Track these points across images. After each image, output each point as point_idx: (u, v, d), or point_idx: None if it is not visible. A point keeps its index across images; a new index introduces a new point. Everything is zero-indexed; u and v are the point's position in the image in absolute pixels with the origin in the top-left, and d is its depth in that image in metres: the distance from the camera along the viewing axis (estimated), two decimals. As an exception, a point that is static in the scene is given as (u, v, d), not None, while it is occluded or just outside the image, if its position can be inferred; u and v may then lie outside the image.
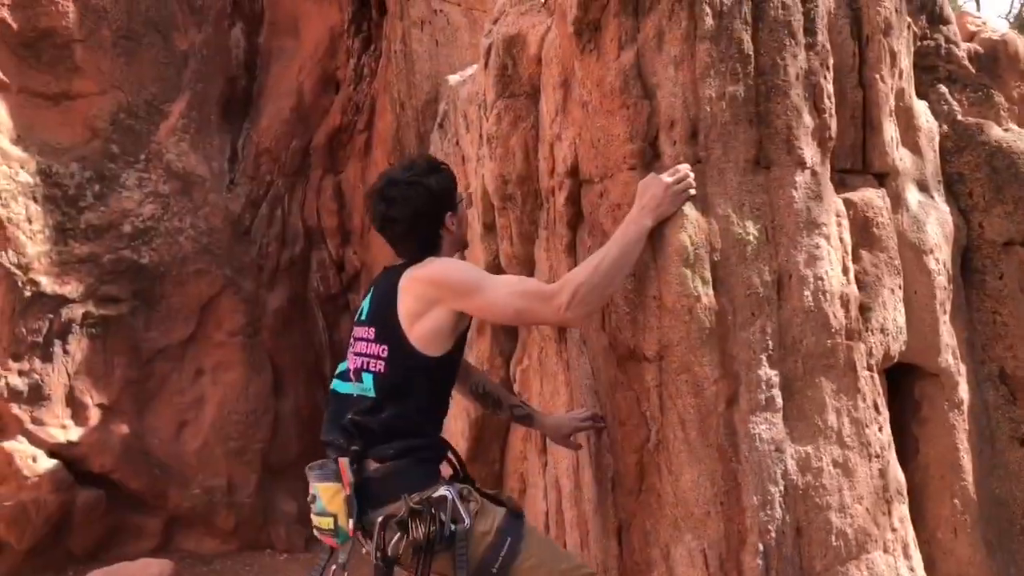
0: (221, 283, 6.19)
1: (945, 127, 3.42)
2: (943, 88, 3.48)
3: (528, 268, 3.53)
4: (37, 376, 5.44)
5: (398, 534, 2.43)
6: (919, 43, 3.49)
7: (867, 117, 3.03)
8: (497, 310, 2.57)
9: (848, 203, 2.91)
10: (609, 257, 2.49)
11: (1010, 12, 24.16)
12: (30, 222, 5.42)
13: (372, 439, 2.53)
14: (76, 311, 5.59)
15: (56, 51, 5.63)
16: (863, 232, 2.92)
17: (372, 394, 2.57)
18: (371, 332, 2.62)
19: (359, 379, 2.61)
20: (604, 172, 2.82)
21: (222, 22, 6.57)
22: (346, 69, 7.04)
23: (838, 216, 2.81)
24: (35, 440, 5.42)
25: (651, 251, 2.64)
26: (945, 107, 3.44)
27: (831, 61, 2.82)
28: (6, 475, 5.36)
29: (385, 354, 2.57)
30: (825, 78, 2.77)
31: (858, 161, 3.04)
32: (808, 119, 2.72)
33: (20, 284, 5.34)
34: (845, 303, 2.74)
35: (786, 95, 2.67)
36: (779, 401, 2.62)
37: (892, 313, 2.94)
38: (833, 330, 2.70)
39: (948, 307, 3.18)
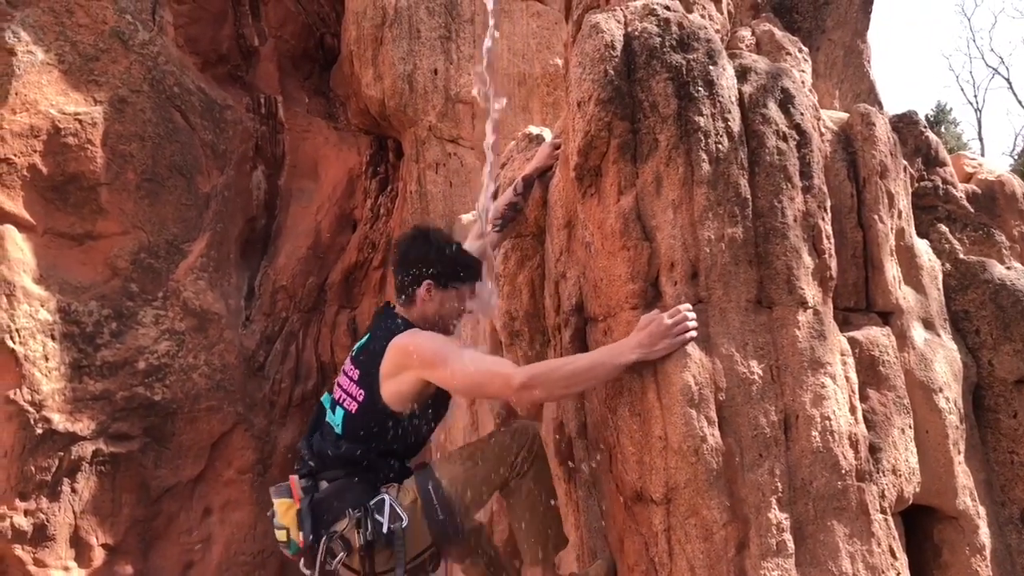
0: (233, 420, 6.18)
1: (948, 265, 3.44)
2: (943, 227, 3.53)
3: (536, 404, 3.52)
4: (43, 515, 5.37)
5: (343, 552, 2.68)
6: (917, 184, 3.57)
7: (868, 256, 3.07)
8: (456, 380, 2.71)
9: (853, 342, 2.91)
10: (577, 365, 2.64)
11: (1013, 149, 24.66)
12: (47, 360, 5.48)
13: (327, 463, 2.80)
14: (87, 449, 5.57)
15: (82, 193, 5.82)
16: (869, 371, 2.91)
17: (339, 430, 2.81)
18: (356, 374, 2.86)
19: (334, 411, 2.86)
20: (608, 311, 2.84)
21: (244, 165, 6.80)
22: (363, 209, 7.24)
23: (843, 355, 2.80)
24: (37, 583, 5.31)
25: (655, 391, 2.63)
26: (947, 246, 3.48)
27: (828, 203, 2.87)
28: (7, 620, 5.23)
29: (360, 398, 2.81)
30: (823, 219, 2.82)
31: (861, 300, 3.06)
32: (808, 259, 2.75)
33: (33, 422, 5.35)
34: (854, 443, 2.70)
35: (785, 237, 2.71)
36: (791, 546, 2.55)
37: (904, 453, 2.89)
38: (843, 471, 2.65)
39: (962, 447, 3.13)
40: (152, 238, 6.05)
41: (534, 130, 3.86)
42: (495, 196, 3.68)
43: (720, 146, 2.69)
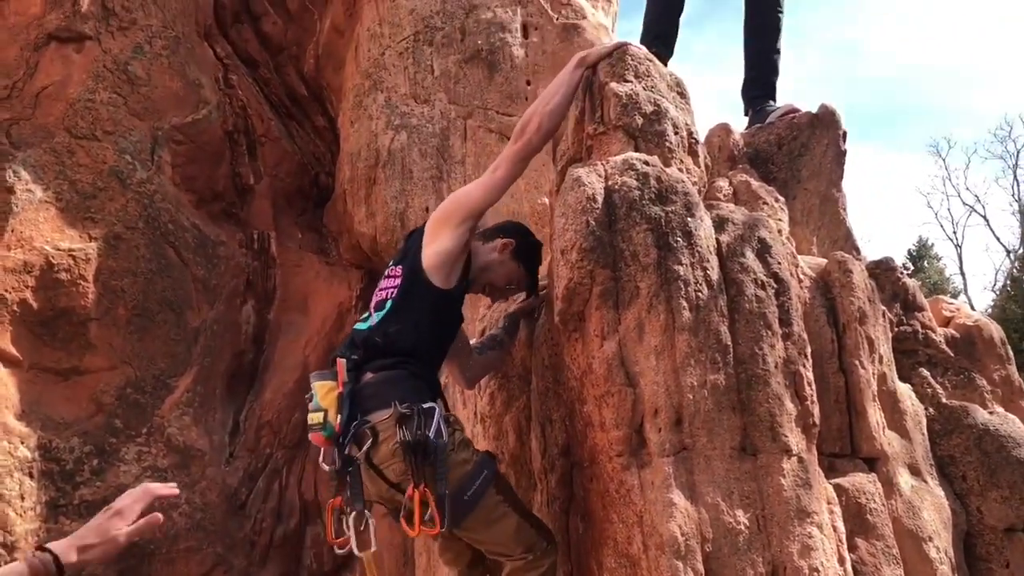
0: (212, 562, 6.00)
1: (931, 410, 3.46)
2: (925, 371, 3.56)
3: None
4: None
5: (371, 438, 2.62)
6: (896, 329, 3.62)
7: (851, 401, 3.08)
8: (480, 188, 2.96)
9: (839, 489, 2.89)
10: (543, 100, 3.03)
11: (995, 284, 25.08)
12: (22, 499, 5.36)
13: (373, 351, 2.78)
14: (59, 592, 5.39)
15: (71, 328, 5.84)
16: (857, 519, 2.88)
17: (386, 312, 2.87)
18: (398, 269, 2.97)
19: (379, 308, 2.91)
20: (593, 457, 2.83)
21: (235, 299, 6.85)
22: (352, 343, 7.25)
23: (829, 503, 2.78)
24: None
25: (641, 541, 2.59)
26: (929, 390, 3.50)
27: (809, 349, 2.91)
28: None
29: (400, 274, 2.92)
30: (804, 366, 2.85)
31: (846, 445, 3.06)
32: (791, 406, 2.76)
33: (3, 564, 5.19)
34: (844, 596, 2.64)
35: (767, 383, 2.73)
36: None
37: (896, 606, 2.83)
38: (834, 626, 2.59)
39: (956, 598, 3.06)
40: (139, 373, 6.03)
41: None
42: (481, 335, 3.71)
43: (700, 294, 2.74)
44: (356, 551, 2.68)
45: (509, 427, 3.56)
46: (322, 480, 6.80)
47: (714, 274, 2.79)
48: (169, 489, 2.04)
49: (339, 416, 2.69)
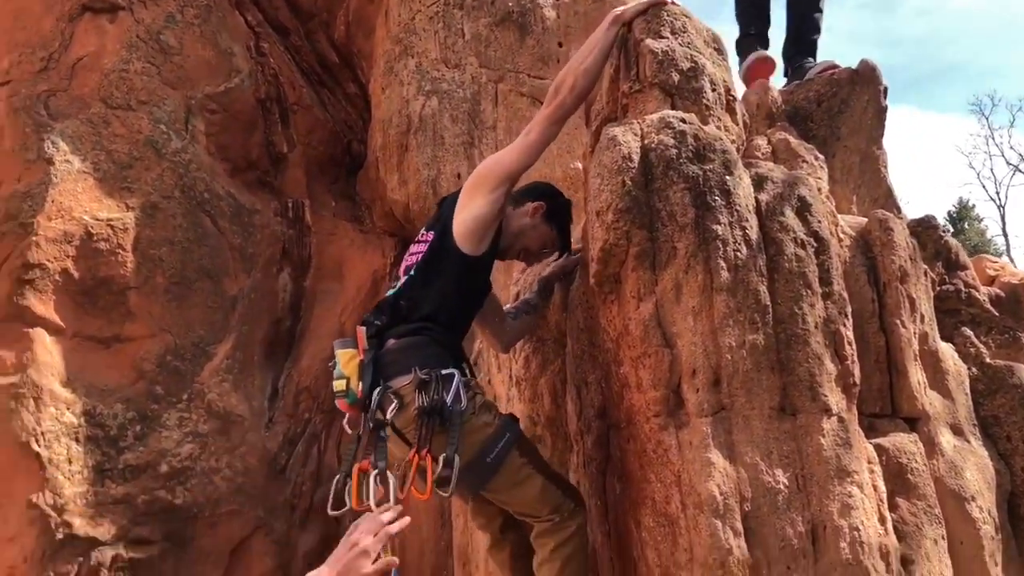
0: (253, 524, 6.10)
1: (974, 369, 3.41)
2: (968, 331, 3.51)
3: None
4: (62, 624, 5.29)
5: (396, 402, 2.64)
6: (938, 288, 3.56)
7: (891, 361, 3.05)
8: (514, 151, 2.91)
9: (879, 449, 2.86)
10: (577, 60, 2.97)
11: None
12: (70, 463, 5.48)
13: (397, 316, 2.81)
14: (106, 554, 5.51)
15: (112, 297, 5.92)
16: (898, 479, 2.86)
17: (411, 277, 2.89)
18: (429, 235, 2.96)
19: (407, 274, 2.93)
20: (630, 418, 2.83)
21: (271, 268, 6.91)
22: (387, 310, 7.29)
23: (870, 463, 2.76)
24: None
25: (679, 501, 2.59)
26: (972, 350, 3.45)
27: (849, 308, 2.87)
28: None
29: (429, 239, 2.92)
30: (844, 325, 2.81)
31: (887, 405, 3.02)
32: (830, 366, 2.74)
33: (54, 526, 5.32)
34: (885, 555, 2.63)
35: (806, 343, 2.71)
36: (823, 665, 2.46)
37: (937, 566, 2.80)
38: (875, 585, 2.57)
39: (999, 558, 3.03)
40: (179, 340, 6.11)
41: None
42: (515, 299, 3.71)
43: (739, 254, 2.71)
44: (374, 509, 2.71)
45: (544, 390, 3.57)
46: (346, 445, 6.86)
47: (753, 233, 2.75)
48: (401, 524, 2.19)
49: (360, 383, 2.73)
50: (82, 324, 5.81)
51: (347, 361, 2.80)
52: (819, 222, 2.88)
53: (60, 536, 5.35)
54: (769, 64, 4.53)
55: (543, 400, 3.56)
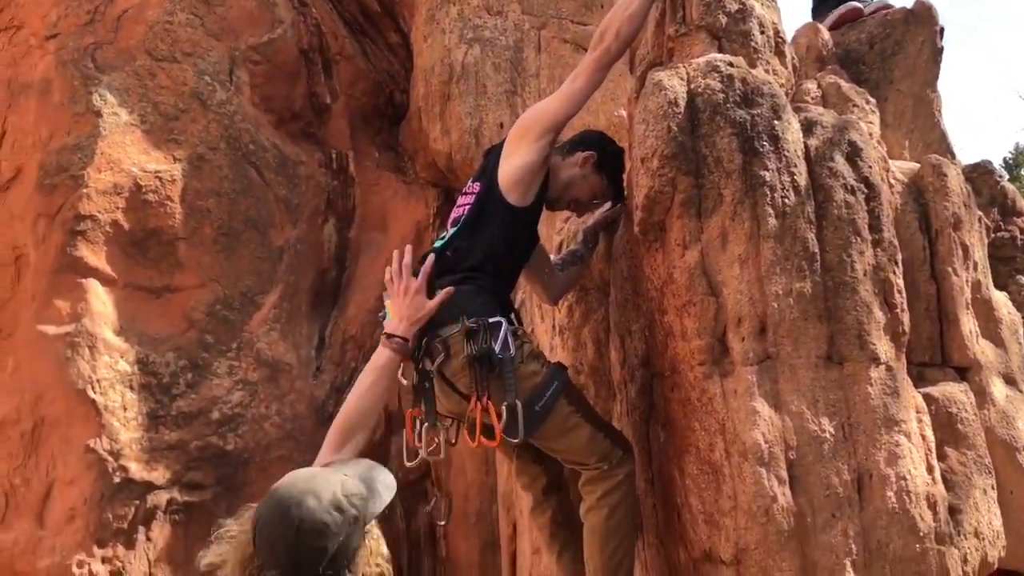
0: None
1: (1029, 318, 3.34)
2: (1023, 279, 3.43)
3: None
4: (119, 563, 5.47)
5: (443, 353, 2.65)
6: (993, 235, 3.48)
7: (942, 310, 3.00)
8: (558, 99, 2.88)
9: (928, 398, 2.83)
10: (619, 7, 2.88)
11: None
12: (125, 410, 5.63)
13: (444, 267, 2.80)
14: (162, 497, 5.68)
15: (161, 248, 6.01)
16: (947, 429, 2.83)
17: (459, 228, 2.89)
18: (476, 186, 2.96)
19: (454, 225, 2.93)
20: (674, 367, 2.83)
21: (316, 219, 6.95)
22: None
23: (918, 412, 2.73)
24: (114, 631, 5.41)
25: (724, 449, 2.59)
26: (1027, 298, 3.38)
27: (899, 256, 2.82)
28: (84, 667, 5.32)
29: (476, 190, 2.91)
30: (894, 273, 2.77)
31: (936, 355, 2.98)
32: (879, 314, 2.70)
33: (111, 471, 5.48)
34: (932, 504, 2.61)
35: (855, 291, 2.67)
36: (867, 612, 2.47)
37: (986, 516, 2.78)
38: (921, 534, 2.57)
39: (1049, 508, 3.00)
40: (227, 290, 6.20)
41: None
42: (559, 250, 3.70)
43: (787, 200, 2.67)
44: (427, 458, 2.76)
45: (587, 339, 3.57)
46: (405, 393, 6.95)
47: (802, 179, 2.71)
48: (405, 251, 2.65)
49: None
50: (133, 274, 5.92)
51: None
52: (870, 168, 2.82)
53: (117, 480, 5.51)
54: (857, 11, 4.35)
55: (586, 349, 3.56)
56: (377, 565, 1.86)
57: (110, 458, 5.50)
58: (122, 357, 5.69)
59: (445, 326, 2.69)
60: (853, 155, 2.81)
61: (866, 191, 2.77)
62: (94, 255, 5.74)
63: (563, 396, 2.74)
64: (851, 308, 2.65)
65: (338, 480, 1.83)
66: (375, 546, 1.87)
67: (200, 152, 6.22)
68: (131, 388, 5.68)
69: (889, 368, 2.67)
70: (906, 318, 2.75)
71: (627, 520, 2.78)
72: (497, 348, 2.61)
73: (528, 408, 2.66)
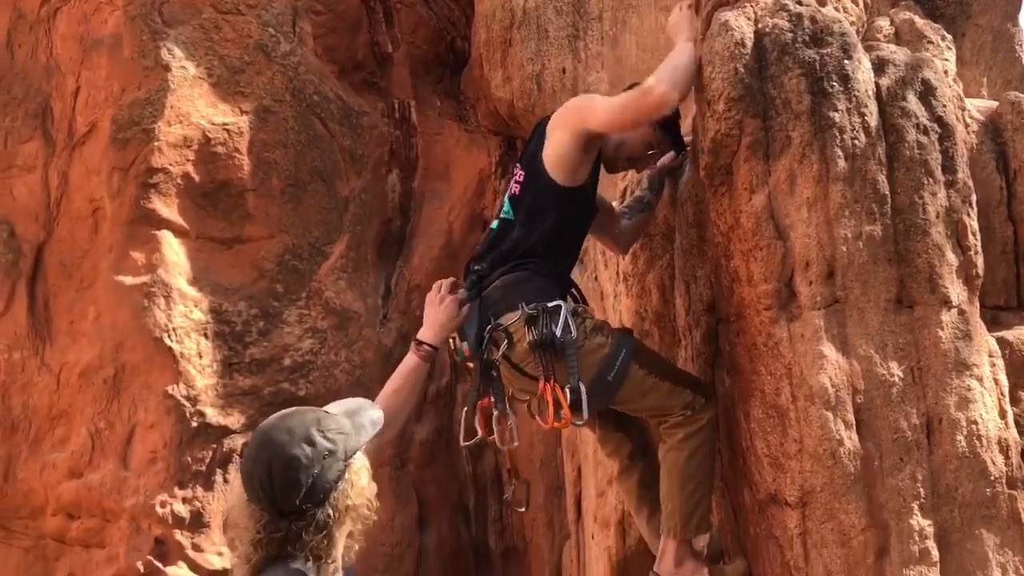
0: (372, 415, 6.38)
1: (1110, 260, 3.23)
2: (1105, 220, 3.31)
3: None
4: (199, 503, 5.71)
5: (506, 339, 2.69)
6: (1074, 174, 3.36)
7: (1019, 252, 2.93)
8: (604, 114, 2.80)
9: (1002, 342, 2.79)
10: (675, 61, 2.79)
11: None
12: (200, 357, 5.82)
13: (499, 259, 2.84)
14: (237, 441, 5.89)
15: (231, 200, 6.14)
16: (1021, 373, 2.78)
17: (510, 215, 2.89)
18: (521, 174, 2.94)
19: (507, 206, 2.93)
20: (740, 312, 2.82)
21: (380, 169, 7.02)
22: (493, 209, 7.35)
23: (991, 356, 2.69)
24: (194, 566, 5.65)
25: (790, 393, 2.59)
26: (1109, 240, 3.26)
27: (974, 197, 2.75)
28: (167, 599, 5.59)
29: (522, 179, 2.90)
30: (968, 215, 2.71)
31: (1012, 298, 2.93)
32: (952, 257, 2.65)
33: (188, 415, 5.70)
34: (1004, 449, 2.59)
35: (926, 233, 2.62)
36: (935, 554, 2.47)
37: (1061, 460, 2.74)
38: (992, 478, 2.55)
39: None
40: (295, 241, 6.32)
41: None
42: (623, 197, 3.68)
43: (856, 142, 2.62)
44: (500, 446, 2.84)
45: (652, 285, 3.56)
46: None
47: (872, 120, 2.65)
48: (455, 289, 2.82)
49: (464, 342, 2.85)
50: (204, 226, 6.07)
51: None
52: (944, 107, 2.74)
53: (195, 424, 5.73)
54: None
55: (651, 295, 3.56)
56: (359, 496, 1.91)
57: (187, 403, 5.71)
58: (196, 306, 5.86)
59: (505, 314, 2.73)
60: (926, 94, 2.74)
61: (939, 131, 2.70)
62: (167, 207, 5.90)
63: (634, 361, 2.75)
64: (922, 251, 2.61)
65: (315, 416, 1.88)
66: (357, 479, 1.91)
67: (266, 104, 6.31)
68: (205, 336, 5.86)
69: (961, 311, 2.62)
70: (980, 261, 2.70)
71: (706, 463, 2.79)
72: (558, 332, 2.64)
73: (600, 379, 2.69)
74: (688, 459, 2.76)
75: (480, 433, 2.78)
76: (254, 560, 1.84)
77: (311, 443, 1.84)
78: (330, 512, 1.85)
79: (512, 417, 2.77)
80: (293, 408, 1.97)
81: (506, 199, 2.95)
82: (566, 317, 2.67)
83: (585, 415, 2.65)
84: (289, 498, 1.81)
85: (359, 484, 1.92)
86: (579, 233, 3.02)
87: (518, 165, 3.03)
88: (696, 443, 2.76)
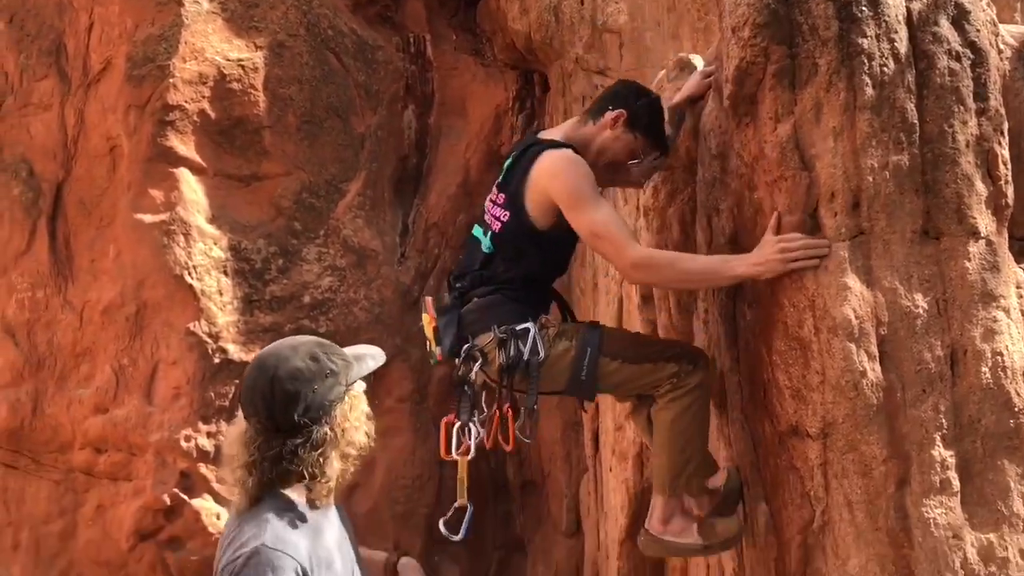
0: (391, 352, 6.34)
1: None
2: None
3: (687, 340, 3.50)
4: (223, 438, 5.81)
5: (479, 361, 2.82)
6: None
7: (1050, 182, 2.86)
8: (582, 225, 2.79)
9: (1031, 274, 2.74)
10: (691, 266, 2.84)
11: None
12: (221, 294, 5.86)
13: (479, 281, 2.93)
14: (259, 377, 5.96)
15: (247, 136, 6.12)
16: (1049, 304, 2.74)
17: (488, 250, 2.94)
18: (501, 198, 2.96)
19: (485, 235, 2.98)
20: (763, 244, 2.79)
21: (396, 105, 6.96)
22: (510, 145, 7.29)
23: (1019, 288, 2.66)
24: (219, 499, 5.77)
25: (813, 325, 2.58)
26: None
27: (1006, 125, 2.69)
28: (194, 531, 5.71)
29: (506, 218, 2.92)
30: (999, 143, 2.65)
31: (1041, 229, 2.87)
32: (981, 187, 2.60)
33: (211, 352, 5.76)
34: (1029, 381, 2.57)
35: (955, 163, 2.57)
36: (956, 484, 2.48)
37: (1085, 392, 2.72)
38: (1016, 409, 2.54)
39: None
40: (312, 178, 6.31)
41: (685, 57, 3.76)
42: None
43: (885, 69, 2.56)
44: (457, 458, 2.91)
45: (673, 219, 3.53)
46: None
47: (902, 46, 2.58)
48: None
49: (437, 346, 2.93)
50: (222, 163, 6.06)
51: (426, 324, 3.01)
52: (977, 31, 2.67)
53: (217, 360, 5.80)
54: None
55: (672, 230, 3.53)
56: (358, 420, 1.96)
57: (209, 340, 5.77)
58: (215, 244, 5.89)
59: (480, 335, 2.86)
60: (959, 18, 2.66)
61: (972, 57, 2.63)
62: (184, 144, 5.89)
63: (602, 355, 2.82)
64: (950, 181, 2.56)
65: (319, 340, 1.96)
66: (356, 403, 1.96)
67: (280, 39, 6.24)
68: (225, 274, 5.90)
69: (989, 242, 2.59)
70: (1010, 191, 2.65)
71: (695, 424, 2.84)
72: (526, 354, 2.78)
73: (575, 379, 2.83)
74: (676, 419, 2.81)
75: (442, 451, 2.94)
76: (249, 484, 1.87)
77: (315, 359, 1.88)
78: (327, 431, 1.88)
79: (475, 432, 2.89)
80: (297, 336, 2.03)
81: (487, 234, 2.97)
82: (534, 338, 2.80)
83: (531, 437, 2.93)
84: (288, 412, 1.85)
85: (359, 408, 1.97)
86: (560, 266, 3.12)
87: (498, 190, 3.01)
88: (683, 404, 2.80)
